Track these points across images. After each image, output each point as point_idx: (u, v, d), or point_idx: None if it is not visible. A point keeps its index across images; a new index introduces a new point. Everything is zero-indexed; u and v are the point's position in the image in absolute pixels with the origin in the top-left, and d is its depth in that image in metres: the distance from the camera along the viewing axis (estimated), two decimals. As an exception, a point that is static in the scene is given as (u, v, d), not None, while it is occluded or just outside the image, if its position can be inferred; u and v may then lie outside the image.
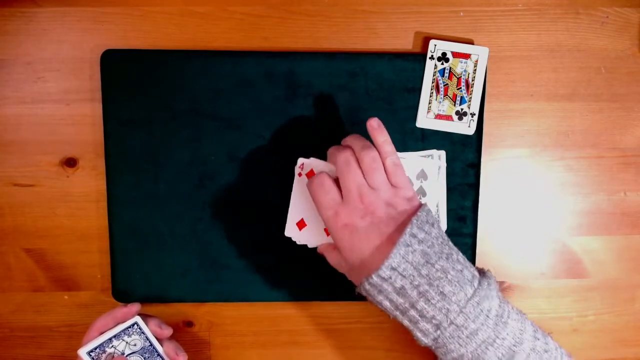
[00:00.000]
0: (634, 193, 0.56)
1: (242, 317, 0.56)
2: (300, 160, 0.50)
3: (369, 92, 0.53)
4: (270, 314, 0.56)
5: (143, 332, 0.49)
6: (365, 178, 0.44)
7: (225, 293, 0.54)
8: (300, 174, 0.50)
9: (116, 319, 0.49)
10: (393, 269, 0.41)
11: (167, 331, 0.49)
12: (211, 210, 0.53)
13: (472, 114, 0.53)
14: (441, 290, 0.41)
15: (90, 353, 0.47)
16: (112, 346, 0.48)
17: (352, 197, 0.43)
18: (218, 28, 0.53)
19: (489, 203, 0.55)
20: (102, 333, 0.48)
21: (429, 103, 0.53)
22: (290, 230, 0.51)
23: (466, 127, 0.53)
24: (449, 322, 0.41)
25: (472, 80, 0.53)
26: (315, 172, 0.49)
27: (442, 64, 0.53)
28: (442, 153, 0.52)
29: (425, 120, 0.53)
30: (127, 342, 0.48)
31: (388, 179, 0.44)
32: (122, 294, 0.54)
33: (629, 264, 0.57)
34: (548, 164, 0.55)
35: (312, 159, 0.50)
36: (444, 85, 0.53)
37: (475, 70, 0.52)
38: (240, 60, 0.52)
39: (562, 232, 0.56)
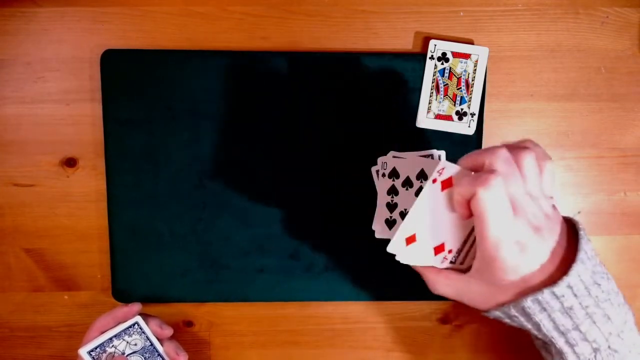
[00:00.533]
0: (634, 193, 0.56)
1: (242, 317, 0.56)
2: (442, 165, 0.39)
3: (369, 92, 0.53)
4: (270, 314, 0.56)
5: (144, 332, 0.49)
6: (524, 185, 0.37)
7: (225, 293, 0.54)
8: (435, 180, 0.39)
9: (117, 318, 0.49)
10: (569, 287, 0.38)
11: (168, 331, 0.49)
12: (211, 210, 0.53)
13: (472, 114, 0.53)
14: (607, 313, 0.39)
15: (91, 352, 0.47)
16: (113, 346, 0.48)
17: (522, 209, 0.37)
18: (218, 28, 0.53)
19: (489, 203, 0.55)
20: (102, 333, 0.48)
21: (429, 103, 0.53)
22: (397, 246, 0.41)
23: (466, 127, 0.53)
24: (607, 346, 0.39)
25: (472, 80, 0.53)
26: (455, 179, 0.39)
27: (442, 64, 0.53)
28: (442, 153, 0.52)
29: (425, 120, 0.53)
30: (127, 342, 0.48)
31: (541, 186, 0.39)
32: (122, 294, 0.54)
33: (629, 264, 0.57)
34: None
35: (450, 164, 0.39)
36: (444, 85, 0.53)
37: (475, 70, 0.52)
38: (240, 60, 0.52)
39: (562, 232, 0.56)
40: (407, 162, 0.49)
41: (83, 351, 0.47)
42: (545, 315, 0.39)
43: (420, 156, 0.52)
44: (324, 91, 0.53)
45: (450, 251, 0.42)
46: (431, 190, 0.39)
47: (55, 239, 0.54)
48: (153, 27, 0.53)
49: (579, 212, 0.55)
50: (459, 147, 0.53)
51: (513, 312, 0.40)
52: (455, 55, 0.52)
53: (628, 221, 0.56)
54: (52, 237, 0.54)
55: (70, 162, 0.53)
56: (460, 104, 0.53)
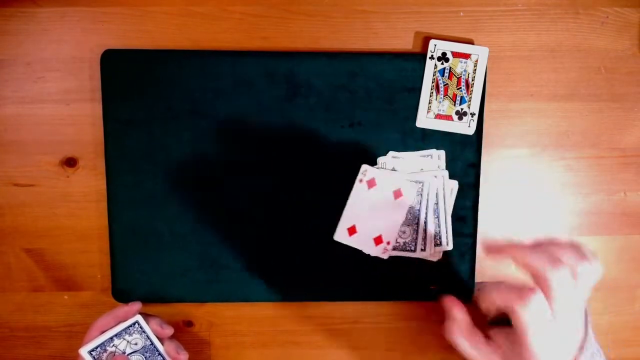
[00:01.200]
0: (634, 193, 0.56)
1: (242, 317, 0.56)
2: (364, 167, 0.50)
3: (369, 92, 0.53)
4: (270, 314, 0.56)
5: (144, 331, 0.49)
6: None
7: (225, 293, 0.54)
8: (361, 180, 0.49)
9: (117, 318, 0.49)
10: None
11: (168, 330, 0.49)
12: (211, 210, 0.53)
13: (472, 114, 0.53)
14: None
15: (92, 352, 0.47)
16: (114, 345, 0.48)
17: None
18: (218, 28, 0.53)
19: (489, 203, 0.55)
20: (103, 332, 0.48)
21: (429, 103, 0.53)
22: (341, 235, 0.50)
23: (466, 127, 0.53)
24: None
25: (472, 80, 0.53)
26: (377, 182, 0.49)
27: (442, 63, 0.53)
28: (442, 153, 0.52)
29: (425, 120, 0.53)
30: (128, 341, 0.48)
31: None
32: (122, 293, 0.54)
33: (629, 264, 0.57)
34: (548, 164, 0.55)
35: (376, 168, 0.50)
36: (444, 85, 0.53)
37: (475, 70, 0.52)
38: (240, 60, 0.52)
39: (562, 232, 0.56)
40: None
41: (84, 351, 0.47)
42: None
43: (421, 156, 0.52)
44: (324, 91, 0.53)
45: (388, 242, 0.50)
46: (359, 189, 0.49)
47: (55, 239, 0.54)
48: (153, 27, 0.53)
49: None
50: (459, 147, 0.53)
51: None
52: (455, 55, 0.52)
53: (628, 221, 0.56)
54: (52, 237, 0.54)
55: (70, 162, 0.53)
56: (460, 104, 0.53)
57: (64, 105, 0.53)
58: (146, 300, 0.53)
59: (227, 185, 0.53)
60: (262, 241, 0.54)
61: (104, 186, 0.53)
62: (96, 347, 0.48)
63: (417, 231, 0.51)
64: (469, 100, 0.53)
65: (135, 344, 0.49)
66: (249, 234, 0.54)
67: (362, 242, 0.50)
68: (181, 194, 0.53)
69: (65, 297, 0.55)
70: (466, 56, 0.52)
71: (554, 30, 0.54)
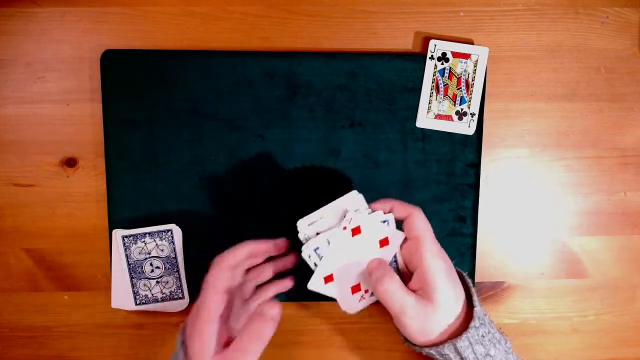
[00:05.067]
0: (634, 193, 0.56)
1: (242, 317, 0.56)
2: (350, 214, 0.45)
3: (369, 92, 0.53)
4: (270, 314, 0.56)
5: (173, 243, 0.50)
6: None
7: (225, 293, 0.54)
8: (345, 228, 0.44)
9: (275, 246, 0.48)
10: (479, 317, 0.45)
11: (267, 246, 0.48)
12: (211, 210, 0.53)
13: (472, 114, 0.53)
14: (496, 337, 0.45)
15: (125, 237, 0.50)
16: (144, 241, 0.50)
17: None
18: (218, 28, 0.53)
19: (489, 203, 0.55)
20: (250, 256, 0.47)
21: (429, 103, 0.53)
22: (316, 284, 0.46)
23: (466, 127, 0.53)
24: None
25: (472, 80, 0.53)
26: (363, 229, 0.45)
27: (442, 64, 0.53)
28: (360, 196, 0.47)
29: (425, 120, 0.53)
30: (157, 244, 0.50)
31: None
32: (122, 294, 0.54)
33: (629, 264, 0.57)
34: (548, 164, 0.55)
35: (359, 213, 0.45)
36: (444, 85, 0.53)
37: (475, 70, 0.52)
38: (240, 60, 0.52)
39: (562, 232, 0.56)
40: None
41: (118, 233, 0.49)
42: (470, 349, 0.43)
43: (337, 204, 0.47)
44: (324, 91, 0.53)
45: (367, 291, 0.47)
46: (342, 237, 0.44)
47: (55, 239, 0.54)
48: (153, 27, 0.53)
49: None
50: (459, 147, 0.53)
51: (446, 351, 0.44)
52: (455, 55, 0.52)
53: (628, 221, 0.56)
54: (52, 237, 0.54)
55: (70, 162, 0.53)
56: (460, 104, 0.53)
57: (64, 105, 0.53)
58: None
59: (227, 185, 0.53)
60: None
61: (104, 186, 0.53)
62: (130, 236, 0.50)
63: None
64: (469, 101, 0.53)
65: (162, 250, 0.50)
66: (249, 234, 0.54)
67: (338, 290, 0.46)
68: (181, 194, 0.53)
69: (65, 297, 0.55)
70: (466, 56, 0.52)
71: (554, 30, 0.54)
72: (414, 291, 0.44)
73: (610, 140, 0.55)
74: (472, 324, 0.43)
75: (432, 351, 0.44)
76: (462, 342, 0.42)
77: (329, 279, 0.46)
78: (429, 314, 0.43)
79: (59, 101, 0.53)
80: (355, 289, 0.47)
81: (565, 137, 0.55)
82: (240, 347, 0.42)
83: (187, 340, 0.43)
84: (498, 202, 0.55)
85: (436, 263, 0.44)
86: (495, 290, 0.56)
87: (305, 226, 0.45)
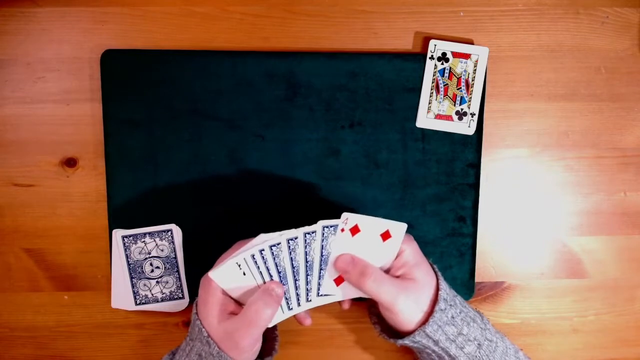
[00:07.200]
0: (634, 193, 0.56)
1: (242, 317, 0.56)
2: (345, 215, 0.45)
3: (369, 92, 0.53)
4: (270, 314, 0.56)
5: (173, 243, 0.50)
6: None
7: (225, 293, 0.54)
8: (343, 230, 0.46)
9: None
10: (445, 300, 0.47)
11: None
12: (211, 210, 0.53)
13: (472, 114, 0.53)
14: (469, 315, 0.47)
15: (125, 237, 0.50)
16: (144, 241, 0.50)
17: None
18: (218, 28, 0.53)
19: (489, 203, 0.55)
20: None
21: (429, 103, 0.53)
22: (328, 288, 0.47)
23: (466, 127, 0.53)
24: (485, 338, 0.46)
25: (472, 80, 0.53)
26: (361, 227, 0.46)
27: (442, 64, 0.53)
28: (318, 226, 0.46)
29: (425, 120, 0.53)
30: (157, 244, 0.50)
31: None
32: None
33: (629, 264, 0.57)
34: (548, 164, 0.55)
35: (357, 215, 0.45)
36: (444, 85, 0.53)
37: (475, 70, 0.52)
38: (240, 60, 0.52)
39: (562, 232, 0.56)
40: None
41: (118, 233, 0.50)
42: (440, 331, 0.45)
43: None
44: (324, 91, 0.53)
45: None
46: (342, 238, 0.46)
47: (55, 239, 0.54)
48: (153, 27, 0.53)
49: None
50: (459, 147, 0.53)
51: (418, 338, 0.45)
52: (455, 55, 0.52)
53: (628, 221, 0.56)
54: (52, 237, 0.54)
55: (70, 162, 0.53)
56: (460, 104, 0.53)
57: (64, 105, 0.53)
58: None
59: (227, 185, 0.53)
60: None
61: (104, 186, 0.53)
62: (130, 236, 0.50)
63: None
64: (469, 101, 0.53)
65: (162, 250, 0.50)
66: (248, 234, 0.54)
67: (351, 289, 0.47)
68: (181, 194, 0.53)
69: (65, 297, 0.55)
70: (466, 56, 0.52)
71: (554, 30, 0.54)
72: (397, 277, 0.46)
73: (610, 140, 0.55)
74: (436, 307, 0.45)
75: (407, 341, 0.46)
76: (430, 327, 0.44)
77: (339, 280, 0.47)
78: (417, 291, 0.45)
79: (59, 101, 0.53)
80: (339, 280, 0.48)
81: (565, 137, 0.55)
82: (244, 317, 0.44)
83: (199, 307, 0.45)
84: (498, 202, 0.55)
85: (410, 246, 0.47)
86: (495, 290, 0.56)
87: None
